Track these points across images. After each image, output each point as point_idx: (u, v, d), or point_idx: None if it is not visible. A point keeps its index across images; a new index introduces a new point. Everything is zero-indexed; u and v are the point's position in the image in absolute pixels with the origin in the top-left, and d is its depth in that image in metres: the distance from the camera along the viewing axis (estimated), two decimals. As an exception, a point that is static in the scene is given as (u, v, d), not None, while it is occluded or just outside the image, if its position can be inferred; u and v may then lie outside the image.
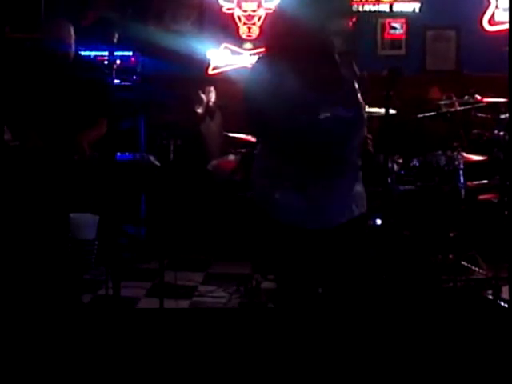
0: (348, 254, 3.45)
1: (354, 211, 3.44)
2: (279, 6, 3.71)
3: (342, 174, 3.40)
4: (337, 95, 3.35)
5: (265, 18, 7.96)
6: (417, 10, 7.82)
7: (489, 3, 7.75)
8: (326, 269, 3.45)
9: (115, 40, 4.93)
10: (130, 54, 7.23)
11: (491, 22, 7.74)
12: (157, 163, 6.13)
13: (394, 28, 7.88)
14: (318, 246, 3.39)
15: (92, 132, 5.54)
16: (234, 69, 7.97)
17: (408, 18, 7.86)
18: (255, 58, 7.73)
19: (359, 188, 3.50)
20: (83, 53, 6.60)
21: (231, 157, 6.66)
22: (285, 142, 3.34)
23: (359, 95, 3.44)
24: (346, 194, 3.43)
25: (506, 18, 7.68)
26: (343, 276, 3.46)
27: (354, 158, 3.44)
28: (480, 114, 6.53)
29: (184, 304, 5.76)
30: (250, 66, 3.88)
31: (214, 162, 6.92)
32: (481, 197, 6.13)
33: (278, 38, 3.44)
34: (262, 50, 3.62)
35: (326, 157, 3.34)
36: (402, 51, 7.91)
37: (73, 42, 5.68)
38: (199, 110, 7.45)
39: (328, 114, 3.30)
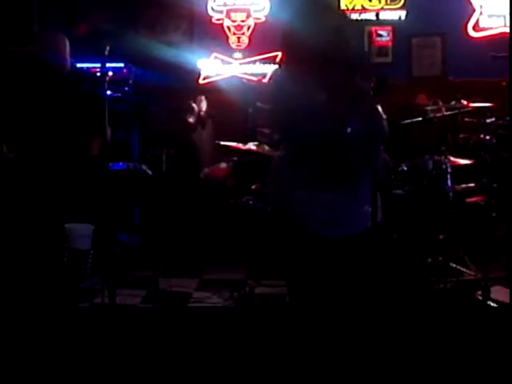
0: (361, 265, 3.52)
1: (368, 222, 3.47)
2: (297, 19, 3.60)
3: (358, 185, 3.47)
4: (359, 108, 3.38)
5: (254, 27, 8.05)
6: (403, 18, 7.91)
7: (473, 10, 7.82)
8: (339, 278, 3.52)
9: (106, 52, 4.98)
10: (122, 65, 7.29)
11: (476, 28, 7.82)
12: (149, 172, 6.20)
13: (381, 35, 7.96)
14: (331, 254, 3.47)
15: (97, 141, 5.61)
16: (225, 78, 8.05)
17: (394, 25, 7.94)
18: (247, 66, 7.89)
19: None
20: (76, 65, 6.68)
21: (223, 165, 6.71)
22: (305, 150, 3.42)
23: (380, 109, 3.46)
24: (361, 205, 3.48)
25: (491, 24, 7.77)
26: (356, 285, 3.53)
27: (370, 170, 3.52)
28: (466, 119, 6.57)
29: (179, 310, 5.82)
30: (273, 75, 3.90)
31: (206, 170, 6.97)
32: (468, 199, 6.18)
33: (301, 51, 3.50)
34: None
35: (343, 167, 3.41)
36: (389, 58, 7.97)
37: (68, 54, 5.75)
38: (191, 120, 7.48)
39: (349, 126, 3.37)
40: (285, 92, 3.44)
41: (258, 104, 6.54)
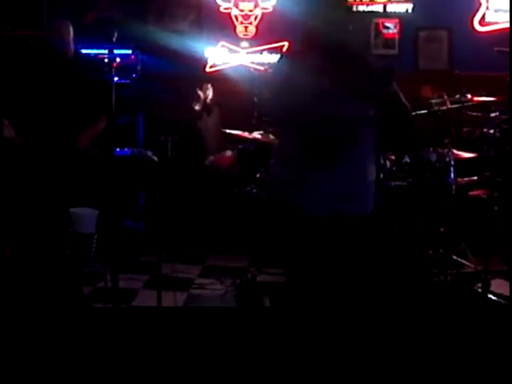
0: (360, 248, 3.56)
1: (365, 208, 3.54)
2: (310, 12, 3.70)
3: (352, 168, 3.52)
4: (356, 93, 3.43)
5: (261, 17, 8.08)
6: (410, 11, 7.92)
7: (480, 4, 7.84)
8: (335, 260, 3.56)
9: (114, 38, 5.02)
10: (130, 52, 7.32)
11: (482, 22, 7.84)
12: (155, 158, 6.24)
13: (388, 28, 7.98)
14: (335, 236, 3.51)
15: (93, 128, 5.65)
16: (231, 67, 8.08)
17: (401, 18, 7.96)
18: (254, 56, 7.93)
19: (372, 186, 3.60)
20: (84, 51, 6.72)
21: (228, 152, 6.73)
22: (301, 134, 3.46)
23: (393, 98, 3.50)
24: (364, 187, 3.55)
25: (497, 18, 7.79)
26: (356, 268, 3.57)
27: (369, 155, 3.55)
28: (470, 113, 6.60)
29: (181, 296, 5.86)
30: (274, 62, 4.05)
31: (211, 158, 7.00)
32: (471, 193, 6.22)
33: (306, 38, 3.58)
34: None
35: (335, 151, 3.46)
36: (395, 51, 7.99)
37: (72, 40, 5.80)
38: (197, 107, 7.51)
39: (342, 111, 3.42)
40: (290, 79, 3.49)
41: (265, 93, 6.57)
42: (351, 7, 7.81)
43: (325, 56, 3.46)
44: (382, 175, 5.49)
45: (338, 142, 3.44)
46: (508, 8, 7.40)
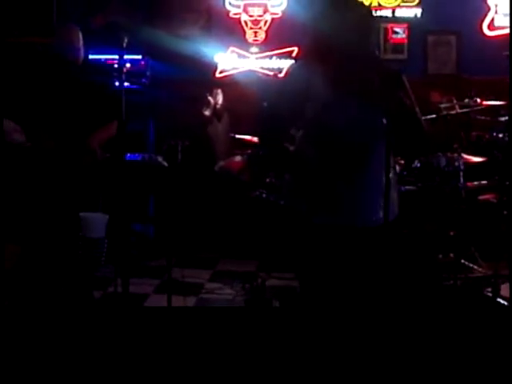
0: (370, 258, 3.57)
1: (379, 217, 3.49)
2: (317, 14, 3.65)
3: (368, 176, 3.50)
4: (370, 102, 3.41)
5: (271, 22, 8.10)
6: (418, 16, 7.95)
7: (488, 9, 7.86)
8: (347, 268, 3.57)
9: (124, 44, 5.03)
10: (140, 57, 7.35)
11: (491, 27, 7.85)
12: (165, 163, 6.24)
13: (397, 33, 7.99)
14: (349, 245, 3.51)
15: (102, 134, 5.67)
16: (241, 72, 8.10)
17: (410, 23, 7.98)
18: (263, 61, 7.95)
19: (393, 194, 3.54)
20: (94, 56, 6.75)
21: (238, 157, 6.74)
22: (316, 143, 3.48)
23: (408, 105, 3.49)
24: (374, 198, 3.50)
25: (506, 23, 7.78)
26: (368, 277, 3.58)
27: (381, 162, 3.50)
28: (480, 117, 6.61)
29: (191, 301, 5.88)
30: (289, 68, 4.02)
31: (221, 163, 7.01)
32: (480, 197, 6.23)
33: (317, 45, 3.57)
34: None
35: (348, 157, 3.45)
36: (404, 55, 8.00)
37: (82, 46, 5.82)
38: (207, 112, 7.53)
39: (351, 117, 3.42)
40: (298, 85, 3.49)
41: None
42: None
43: (339, 64, 3.45)
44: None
45: (353, 152, 3.44)
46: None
